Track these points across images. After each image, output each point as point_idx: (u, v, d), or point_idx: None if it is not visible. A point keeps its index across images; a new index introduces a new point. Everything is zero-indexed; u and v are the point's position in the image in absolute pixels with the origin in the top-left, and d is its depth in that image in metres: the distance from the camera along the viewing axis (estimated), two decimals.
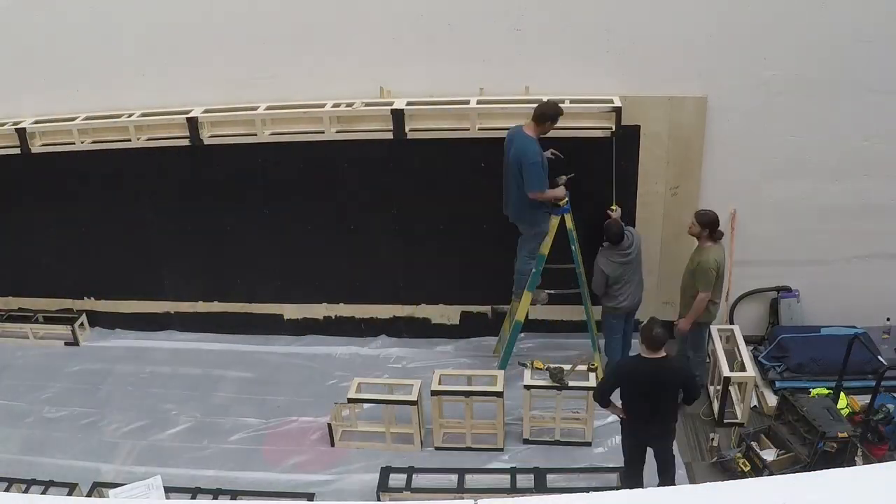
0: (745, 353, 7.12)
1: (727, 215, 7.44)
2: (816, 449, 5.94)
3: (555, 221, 6.94)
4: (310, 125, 7.37)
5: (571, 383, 6.58)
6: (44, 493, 6.01)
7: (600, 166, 7.18)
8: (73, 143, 7.70)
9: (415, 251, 7.86)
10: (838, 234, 7.47)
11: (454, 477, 6.22)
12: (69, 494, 5.97)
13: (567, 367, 6.64)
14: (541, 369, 6.65)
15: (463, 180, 7.46)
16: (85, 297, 8.64)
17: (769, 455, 6.24)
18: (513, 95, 7.19)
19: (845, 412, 6.43)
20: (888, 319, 7.42)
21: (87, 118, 7.71)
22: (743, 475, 6.19)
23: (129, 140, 7.60)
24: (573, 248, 7.04)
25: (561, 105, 6.96)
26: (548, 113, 6.60)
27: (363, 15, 7.09)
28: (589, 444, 6.73)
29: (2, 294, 8.86)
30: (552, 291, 7.28)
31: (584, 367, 6.68)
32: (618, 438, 6.58)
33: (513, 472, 6.24)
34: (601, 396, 5.85)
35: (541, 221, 6.96)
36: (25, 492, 6.07)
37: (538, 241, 7.02)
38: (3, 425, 7.30)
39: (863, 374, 6.78)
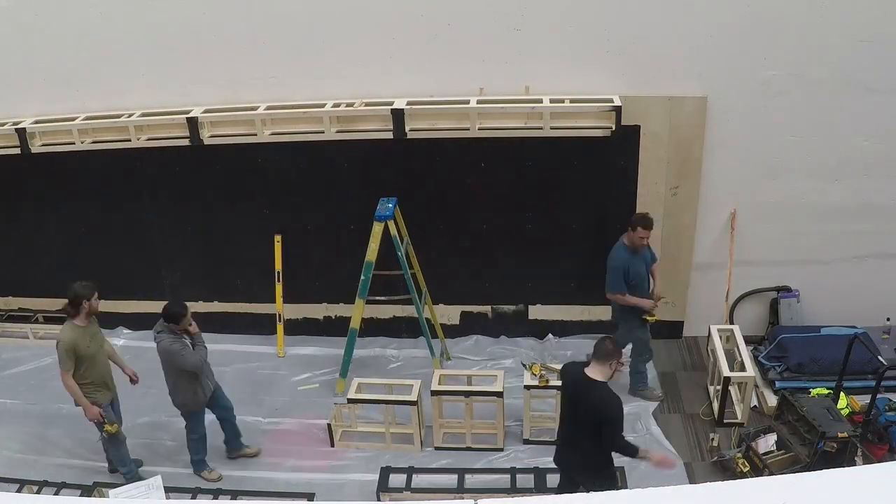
0: (744, 352, 7.11)
1: (727, 215, 7.46)
2: (816, 449, 5.94)
3: (378, 228, 6.92)
4: (310, 125, 7.38)
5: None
6: (56, 493, 6.00)
7: (600, 166, 7.19)
8: (73, 143, 7.70)
9: (414, 251, 7.85)
10: (838, 234, 7.47)
11: (454, 477, 6.22)
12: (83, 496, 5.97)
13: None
14: (536, 374, 6.64)
15: (463, 180, 7.46)
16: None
17: (765, 446, 6.29)
18: (513, 95, 7.19)
19: (845, 412, 6.43)
20: (888, 319, 7.42)
21: (87, 118, 7.71)
22: (742, 475, 6.19)
23: (129, 140, 7.60)
24: (399, 253, 7.04)
25: (561, 104, 6.99)
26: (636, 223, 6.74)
27: (363, 15, 7.09)
28: None
29: (2, 294, 8.86)
30: (383, 298, 7.38)
31: None
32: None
33: (513, 471, 6.24)
34: None
35: (633, 329, 7.04)
36: (38, 492, 6.06)
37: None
38: (4, 425, 7.30)
39: (863, 374, 6.78)
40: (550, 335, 8.04)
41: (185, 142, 7.51)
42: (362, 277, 7.11)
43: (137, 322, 8.61)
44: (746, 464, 6.25)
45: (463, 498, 6.01)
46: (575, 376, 5.22)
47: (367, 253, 7.01)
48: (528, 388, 6.63)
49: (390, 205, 7.00)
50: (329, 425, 6.82)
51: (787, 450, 6.20)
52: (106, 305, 8.44)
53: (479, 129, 7.13)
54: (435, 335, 7.87)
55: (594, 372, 5.10)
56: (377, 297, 7.36)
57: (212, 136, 7.53)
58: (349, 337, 7.37)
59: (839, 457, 5.94)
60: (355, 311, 7.29)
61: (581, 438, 5.19)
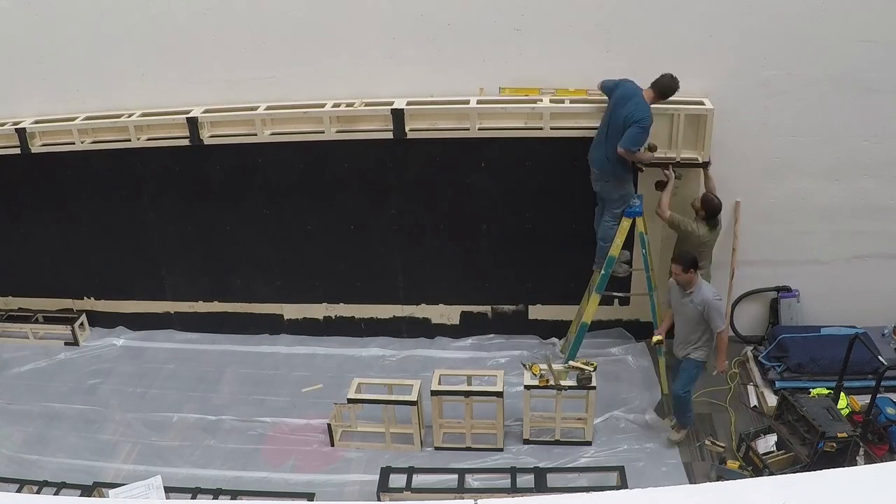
0: None
1: (727, 214, 7.45)
2: (816, 449, 5.94)
3: (626, 224, 6.82)
4: (310, 125, 7.37)
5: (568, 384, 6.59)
6: (56, 493, 6.00)
7: None
8: (73, 143, 7.70)
9: (415, 251, 7.86)
10: (838, 234, 7.47)
11: (454, 477, 6.21)
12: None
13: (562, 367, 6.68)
14: (536, 374, 6.64)
15: (463, 180, 7.46)
16: (85, 297, 8.64)
17: (765, 446, 6.31)
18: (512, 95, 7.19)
19: (845, 412, 6.43)
20: None
21: (87, 118, 7.71)
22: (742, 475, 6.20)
23: (129, 140, 7.60)
24: (644, 252, 6.96)
25: (561, 104, 6.99)
26: (671, 88, 6.50)
27: (363, 15, 7.09)
28: (589, 443, 6.73)
29: (2, 294, 8.86)
30: (631, 268, 7.25)
31: (583, 366, 6.66)
32: (616, 438, 6.68)
33: (513, 471, 6.23)
34: None
35: (626, 182, 6.81)
36: (38, 492, 6.05)
37: (622, 205, 6.81)
38: (4, 425, 7.30)
39: (863, 374, 6.78)
40: (555, 339, 7.99)
41: (185, 142, 7.51)
42: (602, 272, 6.96)
43: (137, 322, 8.61)
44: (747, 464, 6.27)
45: (463, 498, 6.00)
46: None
47: (610, 248, 6.87)
48: (528, 387, 6.63)
49: (638, 202, 6.85)
50: (329, 425, 6.82)
51: (787, 450, 6.20)
52: (106, 305, 8.51)
53: (479, 129, 7.13)
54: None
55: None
56: (615, 294, 7.37)
57: (212, 136, 7.53)
58: (580, 330, 7.19)
59: (839, 457, 5.94)
60: (590, 307, 7.11)
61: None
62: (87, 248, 8.28)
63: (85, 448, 6.97)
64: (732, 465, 6.35)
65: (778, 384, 7.04)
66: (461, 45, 7.07)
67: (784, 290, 7.76)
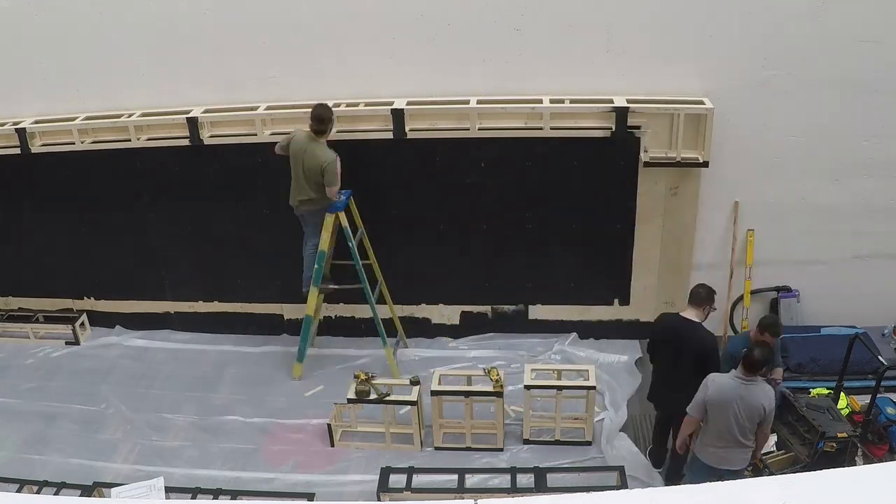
0: None
1: (728, 215, 7.46)
2: (816, 449, 5.94)
3: (330, 220, 7.07)
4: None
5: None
6: (56, 493, 5.99)
7: (600, 166, 7.19)
8: (73, 143, 7.70)
9: (415, 251, 7.86)
10: (838, 234, 7.47)
11: (454, 477, 6.21)
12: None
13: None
14: (493, 380, 6.59)
15: (463, 180, 7.46)
16: (85, 297, 8.64)
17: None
18: (513, 95, 7.19)
19: (845, 412, 6.42)
20: None
21: (87, 118, 7.71)
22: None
23: (129, 140, 7.60)
24: (350, 244, 7.16)
25: (561, 105, 6.98)
26: (317, 116, 6.82)
27: (363, 15, 7.08)
28: (589, 443, 6.73)
29: (2, 294, 8.86)
30: (335, 287, 7.56)
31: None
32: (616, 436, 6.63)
33: (513, 471, 6.23)
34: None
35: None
36: (38, 493, 6.05)
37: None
38: (4, 425, 7.30)
39: (863, 374, 6.78)
40: (557, 343, 7.96)
41: (185, 142, 7.51)
42: (315, 266, 7.26)
43: (137, 322, 8.61)
44: None
45: (463, 498, 6.00)
46: (674, 323, 5.93)
47: (319, 243, 7.19)
48: (528, 388, 6.63)
49: (343, 197, 7.11)
50: (329, 425, 6.82)
51: (787, 450, 6.20)
52: (106, 305, 8.51)
53: (479, 129, 7.13)
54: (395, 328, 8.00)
55: (692, 314, 5.83)
56: (329, 286, 7.52)
57: (212, 136, 7.53)
58: (304, 323, 7.53)
59: (839, 457, 5.93)
60: (310, 300, 7.43)
61: (684, 376, 5.70)
62: (87, 248, 8.28)
63: (85, 448, 6.97)
64: None
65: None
66: (461, 45, 7.07)
67: (784, 291, 7.76)
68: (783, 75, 6.85)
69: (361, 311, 8.23)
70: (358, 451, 6.85)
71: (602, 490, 5.68)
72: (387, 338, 7.56)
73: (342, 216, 7.09)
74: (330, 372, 7.82)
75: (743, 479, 5.49)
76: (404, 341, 8.08)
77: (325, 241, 7.16)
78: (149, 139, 7.62)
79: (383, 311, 7.73)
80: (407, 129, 7.23)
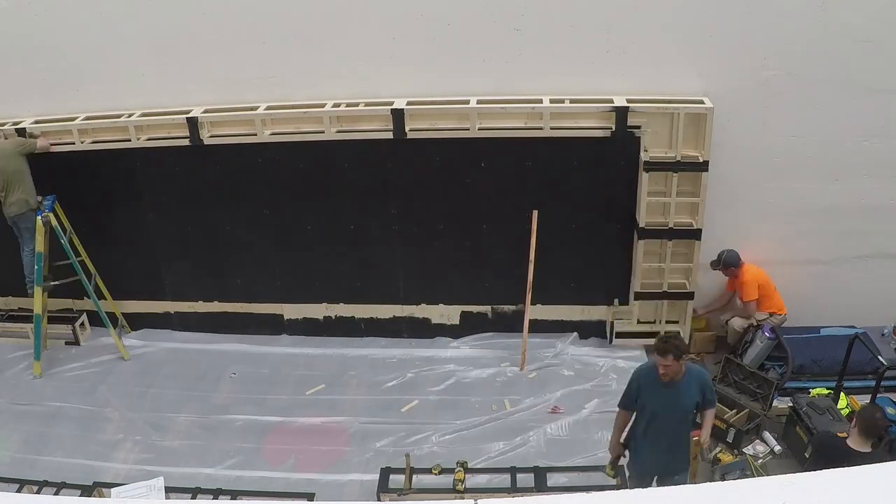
0: None
1: (727, 214, 7.45)
2: (815, 449, 5.93)
3: (40, 222, 7.55)
4: (310, 125, 7.38)
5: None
6: (56, 493, 5.99)
7: (600, 166, 7.19)
8: (73, 143, 7.70)
9: (414, 251, 7.86)
10: (838, 234, 7.47)
11: (454, 477, 6.20)
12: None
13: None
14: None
15: (463, 180, 7.46)
16: (85, 297, 8.63)
17: (764, 446, 6.37)
18: (513, 95, 7.19)
19: (845, 412, 6.43)
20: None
21: (87, 118, 7.71)
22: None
23: (129, 140, 7.60)
24: (62, 242, 7.62)
25: (561, 105, 6.97)
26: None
27: (363, 15, 7.09)
28: None
29: (2, 294, 8.86)
30: (56, 282, 7.95)
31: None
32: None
33: (513, 471, 6.24)
34: None
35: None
36: (38, 492, 6.04)
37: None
38: (4, 425, 7.30)
39: (863, 374, 6.78)
40: (559, 344, 7.94)
41: (185, 142, 7.51)
42: (36, 267, 7.71)
43: (137, 322, 8.60)
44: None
45: (463, 498, 6.00)
46: (835, 447, 4.94)
47: (35, 246, 7.64)
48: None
49: (48, 202, 7.67)
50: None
51: (739, 409, 6.64)
52: (106, 305, 8.49)
53: (479, 129, 7.13)
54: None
55: (857, 443, 4.80)
56: (51, 283, 7.90)
57: (212, 136, 7.53)
58: (35, 323, 7.86)
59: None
60: (36, 299, 7.81)
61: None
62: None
63: (85, 448, 6.96)
64: (725, 458, 6.35)
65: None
66: (461, 45, 7.07)
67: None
68: (783, 75, 6.84)
69: (361, 312, 8.25)
70: (358, 450, 6.84)
71: (602, 490, 5.68)
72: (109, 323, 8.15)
73: (52, 217, 7.58)
74: (330, 372, 7.82)
75: (743, 480, 5.49)
76: (127, 328, 8.53)
77: (39, 242, 7.65)
78: (149, 139, 7.62)
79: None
80: (407, 129, 7.23)
